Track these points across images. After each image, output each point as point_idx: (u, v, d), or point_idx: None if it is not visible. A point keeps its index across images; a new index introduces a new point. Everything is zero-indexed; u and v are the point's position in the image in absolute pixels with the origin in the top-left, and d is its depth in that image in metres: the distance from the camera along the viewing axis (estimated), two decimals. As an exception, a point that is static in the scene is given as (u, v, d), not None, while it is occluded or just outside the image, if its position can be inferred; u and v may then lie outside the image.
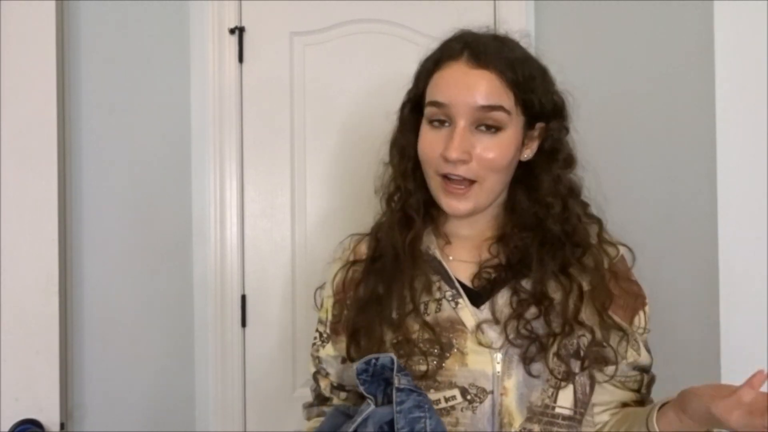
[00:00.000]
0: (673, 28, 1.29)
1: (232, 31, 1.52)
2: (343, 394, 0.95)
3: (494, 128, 0.80)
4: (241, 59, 1.53)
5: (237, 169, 1.54)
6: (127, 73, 1.39)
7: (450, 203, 0.83)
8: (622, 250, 0.89)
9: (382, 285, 0.86)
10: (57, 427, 1.11)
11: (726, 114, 1.15)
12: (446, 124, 0.82)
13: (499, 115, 0.80)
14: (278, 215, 1.56)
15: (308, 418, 0.98)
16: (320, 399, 0.98)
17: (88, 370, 1.27)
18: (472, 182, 0.81)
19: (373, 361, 0.75)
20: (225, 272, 1.53)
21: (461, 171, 0.80)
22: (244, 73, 1.54)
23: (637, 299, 0.87)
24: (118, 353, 1.34)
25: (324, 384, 0.96)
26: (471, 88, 0.79)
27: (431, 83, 0.84)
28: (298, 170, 1.56)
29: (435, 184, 0.84)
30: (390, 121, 0.94)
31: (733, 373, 1.15)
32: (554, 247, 0.84)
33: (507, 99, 0.80)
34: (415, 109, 0.89)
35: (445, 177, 0.82)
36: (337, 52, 1.56)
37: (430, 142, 0.83)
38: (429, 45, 0.89)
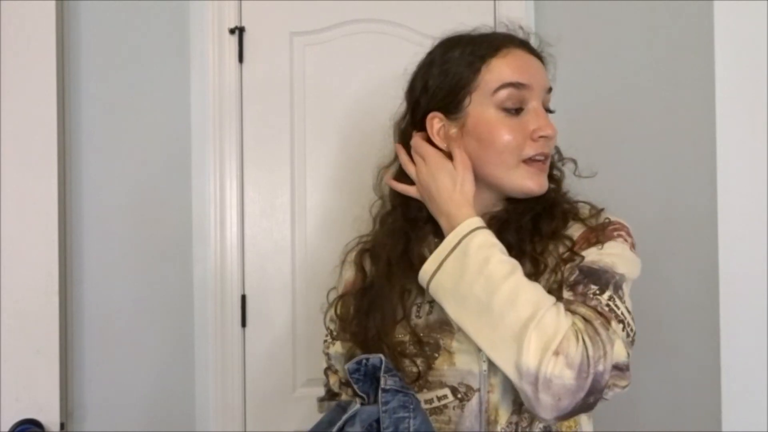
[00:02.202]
0: (673, 27, 1.29)
1: (232, 31, 1.52)
2: (351, 390, 0.96)
3: (548, 110, 0.86)
4: (241, 59, 1.53)
5: (237, 169, 1.54)
6: (127, 73, 1.39)
7: (539, 180, 0.83)
8: (587, 209, 0.88)
9: (374, 303, 0.87)
10: (57, 427, 1.11)
11: (726, 113, 1.15)
12: (518, 110, 0.83)
13: (550, 98, 0.87)
14: (278, 215, 1.56)
15: (320, 411, 0.99)
16: (330, 394, 0.99)
17: (88, 370, 1.27)
18: (547, 158, 0.85)
19: (364, 361, 0.77)
20: (225, 272, 1.53)
21: (548, 148, 0.85)
22: (244, 73, 1.54)
23: (596, 242, 0.82)
24: (118, 353, 1.34)
25: (333, 380, 0.98)
26: (540, 71, 0.86)
27: (494, 68, 0.83)
28: (298, 170, 1.56)
29: (516, 173, 0.83)
30: (382, 125, 0.94)
31: (733, 373, 1.15)
32: (529, 206, 0.86)
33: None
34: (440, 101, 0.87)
35: (527, 160, 0.83)
36: (337, 52, 1.56)
37: (511, 128, 0.82)
38: (429, 45, 0.90)
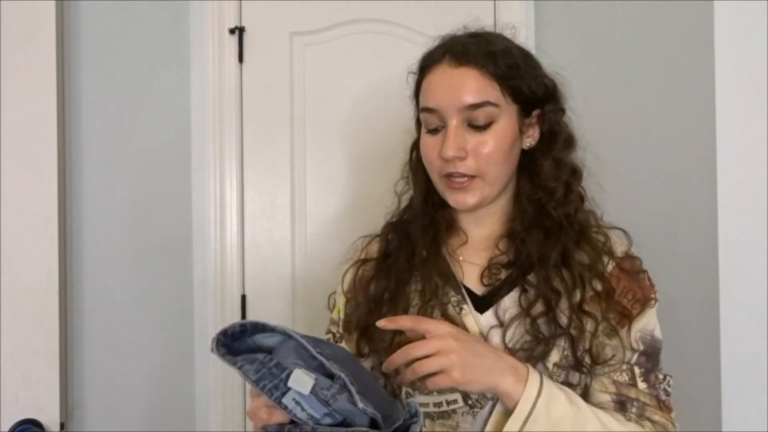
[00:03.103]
0: (673, 28, 1.29)
1: (232, 31, 1.52)
2: None
3: (485, 125, 0.82)
4: (241, 59, 1.53)
5: (237, 169, 1.54)
6: (127, 74, 1.39)
7: (456, 197, 0.84)
8: (620, 243, 0.88)
9: (392, 283, 0.88)
10: (57, 427, 1.11)
11: (726, 114, 1.15)
12: (440, 129, 0.84)
13: (487, 111, 0.81)
14: (278, 215, 1.56)
15: None
16: None
17: (88, 370, 1.27)
18: (473, 177, 0.83)
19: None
20: (225, 272, 1.53)
21: (461, 168, 0.82)
22: (244, 73, 1.54)
23: (645, 301, 0.84)
24: (118, 353, 1.34)
25: None
26: (456, 88, 0.81)
27: (421, 91, 0.87)
28: (298, 170, 1.56)
29: (440, 186, 0.86)
30: (396, 123, 0.95)
31: (733, 373, 1.15)
32: (556, 234, 0.84)
33: (493, 91, 0.81)
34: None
35: (449, 176, 0.84)
36: (337, 52, 1.55)
37: (429, 147, 0.86)
38: (429, 45, 0.90)
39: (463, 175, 0.82)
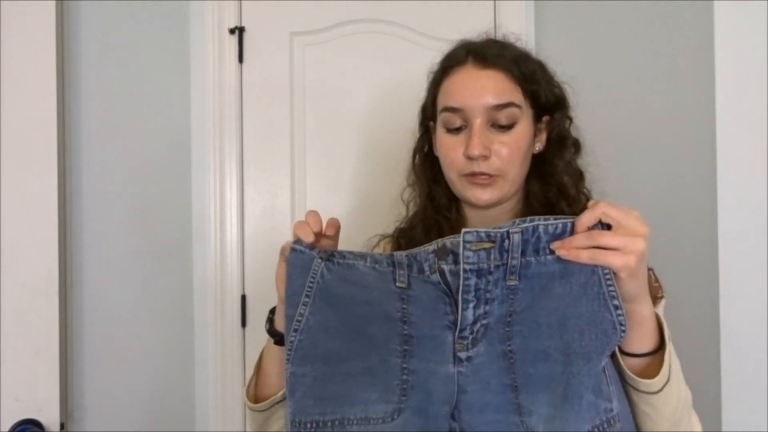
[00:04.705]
0: (673, 28, 1.30)
1: (232, 31, 1.52)
2: None
3: (508, 126, 0.84)
4: (241, 59, 1.53)
5: (237, 169, 1.54)
6: (127, 73, 1.39)
7: (476, 193, 0.85)
8: None
9: None
10: (57, 427, 1.11)
11: (726, 114, 1.15)
12: (462, 128, 0.85)
13: (511, 112, 0.83)
14: (278, 215, 1.56)
15: None
16: None
17: (88, 370, 1.27)
18: (495, 176, 0.85)
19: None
20: (225, 272, 1.53)
21: (484, 167, 0.83)
22: (244, 73, 1.54)
23: (653, 298, 0.82)
24: (118, 353, 1.34)
25: None
26: (482, 89, 0.83)
27: (442, 91, 0.88)
28: (298, 170, 1.56)
29: (459, 185, 0.87)
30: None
31: (733, 373, 1.15)
32: None
33: (516, 94, 0.84)
34: (428, 118, 0.94)
35: (471, 175, 0.85)
36: (337, 52, 1.56)
37: (450, 146, 0.86)
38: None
39: (486, 174, 0.84)
